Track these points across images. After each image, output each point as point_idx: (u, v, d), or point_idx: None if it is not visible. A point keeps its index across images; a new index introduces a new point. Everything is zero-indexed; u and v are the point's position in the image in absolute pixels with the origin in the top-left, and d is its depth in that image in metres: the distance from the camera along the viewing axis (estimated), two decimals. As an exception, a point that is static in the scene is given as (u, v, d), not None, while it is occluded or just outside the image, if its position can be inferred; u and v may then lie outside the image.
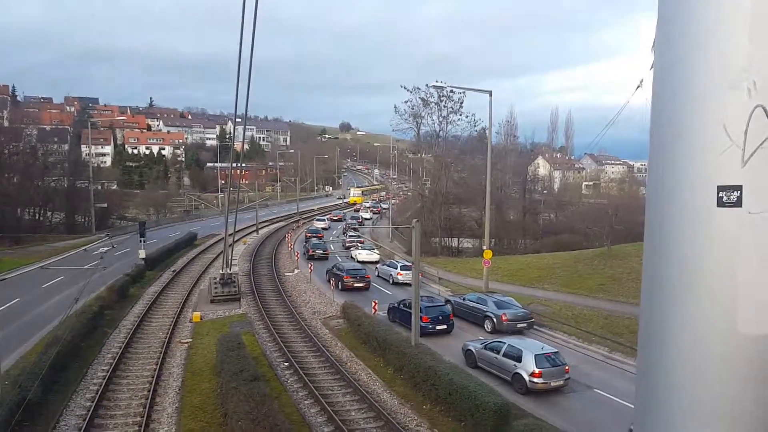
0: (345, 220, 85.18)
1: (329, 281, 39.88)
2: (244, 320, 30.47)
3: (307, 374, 22.06)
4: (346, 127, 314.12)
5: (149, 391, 20.21)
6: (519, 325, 28.46)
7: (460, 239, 64.08)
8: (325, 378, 22.00)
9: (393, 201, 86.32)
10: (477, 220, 64.68)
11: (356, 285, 38.13)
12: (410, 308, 29.23)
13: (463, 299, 31.37)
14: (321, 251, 51.06)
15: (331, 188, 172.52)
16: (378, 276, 43.32)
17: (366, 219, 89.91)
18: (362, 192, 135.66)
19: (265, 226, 77.41)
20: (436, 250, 59.59)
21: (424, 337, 26.04)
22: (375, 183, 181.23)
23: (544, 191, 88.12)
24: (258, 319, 30.79)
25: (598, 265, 39.88)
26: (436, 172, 66.38)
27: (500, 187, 67.75)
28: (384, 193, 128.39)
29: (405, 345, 22.08)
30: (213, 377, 21.41)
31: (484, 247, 35.61)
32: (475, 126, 65.70)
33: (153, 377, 21.60)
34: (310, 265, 41.93)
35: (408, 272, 40.18)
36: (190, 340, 26.84)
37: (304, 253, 53.03)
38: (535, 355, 20.43)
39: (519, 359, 20.73)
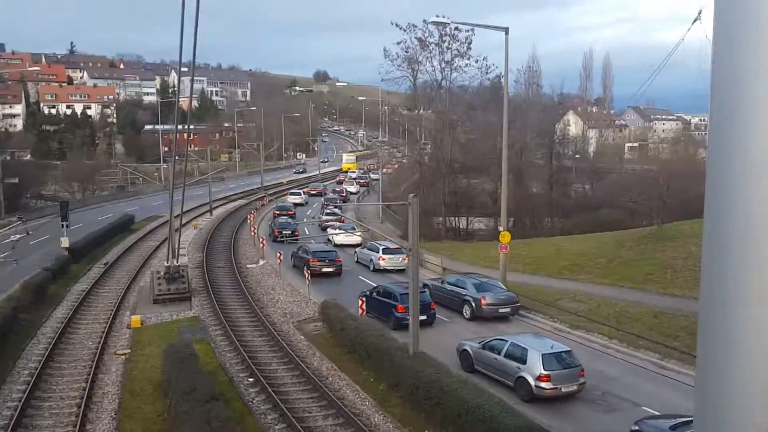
0: (326, 193, 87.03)
1: (295, 267, 42.08)
2: (196, 325, 30.63)
3: (278, 392, 22.14)
4: (321, 78, 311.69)
5: (77, 416, 20.12)
6: (501, 310, 30.52)
7: (470, 219, 64.62)
8: (300, 397, 22.20)
9: (384, 171, 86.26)
10: (491, 193, 65.29)
11: (324, 270, 40.19)
12: (386, 297, 30.46)
13: (441, 282, 33.53)
14: (289, 232, 52.29)
15: (304, 156, 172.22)
16: (357, 262, 44.84)
17: (351, 193, 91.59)
18: (357, 157, 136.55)
19: (220, 206, 77.79)
20: (439, 233, 60.18)
21: (401, 331, 27.28)
22: (360, 148, 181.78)
23: (577, 155, 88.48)
24: (214, 324, 30.98)
25: (645, 249, 40.38)
26: (437, 133, 67.26)
27: (520, 152, 67.69)
28: (372, 160, 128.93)
29: (400, 354, 22.17)
30: (158, 398, 21.46)
31: (501, 229, 35.90)
32: (487, 73, 65.45)
33: (82, 399, 21.53)
34: (279, 255, 42.41)
35: (393, 256, 42.10)
36: (129, 351, 26.94)
37: (270, 235, 54.26)
38: (543, 355, 20.61)
39: (523, 360, 20.99)
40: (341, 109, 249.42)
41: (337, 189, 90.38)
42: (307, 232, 58.51)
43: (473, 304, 30.53)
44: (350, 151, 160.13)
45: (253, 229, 56.48)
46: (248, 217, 63.27)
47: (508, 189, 37.63)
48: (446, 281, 33.22)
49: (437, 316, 30.45)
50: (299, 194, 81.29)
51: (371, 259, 42.90)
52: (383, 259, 41.70)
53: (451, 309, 31.90)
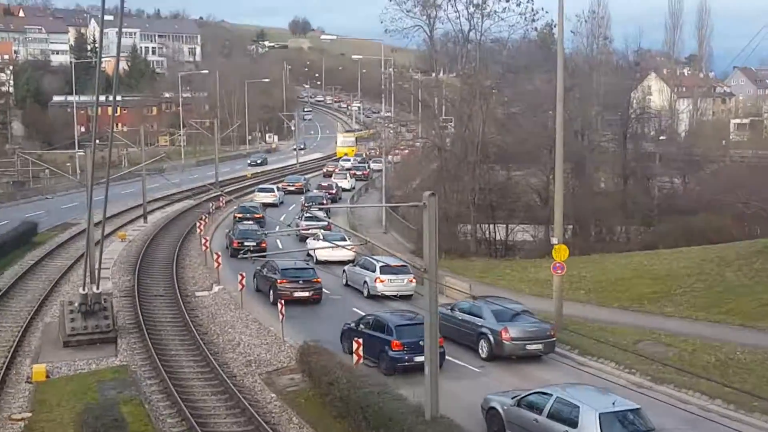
0: (309, 190, 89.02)
1: (258, 291, 43.57)
2: (124, 377, 30.37)
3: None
4: (300, 28, 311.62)
5: None
6: (530, 347, 31.14)
7: (511, 226, 64.70)
8: (272, 482, 22.48)
9: (390, 159, 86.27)
10: (540, 191, 65.65)
11: (298, 295, 40.91)
12: (376, 330, 31.35)
13: (451, 309, 34.26)
14: (253, 244, 53.14)
15: (275, 138, 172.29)
16: (347, 285, 45.81)
17: (344, 189, 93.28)
18: (356, 138, 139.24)
19: (159, 209, 78.59)
20: (467, 247, 60.44)
21: (397, 376, 28.13)
22: (355, 127, 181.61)
23: (662, 137, 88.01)
24: (150, 376, 30.79)
25: (761, 271, 40.14)
26: (464, 105, 66.33)
27: (581, 132, 67.75)
28: (373, 144, 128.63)
29: (413, 420, 21.47)
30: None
31: (554, 241, 36.01)
32: (533, 21, 65.37)
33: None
34: (240, 277, 42.16)
35: (395, 277, 42.73)
36: (29, 414, 26.76)
37: (228, 248, 55.68)
38: (601, 415, 20.33)
39: (574, 422, 20.87)
40: (328, 73, 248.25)
41: (324, 184, 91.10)
42: (280, 246, 58.24)
43: (491, 339, 31.01)
44: (347, 130, 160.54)
45: (204, 241, 56.20)
46: (198, 224, 63.25)
47: (565, 185, 37.46)
48: (458, 307, 33.95)
49: (446, 356, 30.45)
50: (271, 191, 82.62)
51: (365, 281, 43.44)
52: (381, 281, 42.08)
53: (464, 345, 32.42)
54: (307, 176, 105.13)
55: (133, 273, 48.73)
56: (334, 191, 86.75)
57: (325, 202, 77.99)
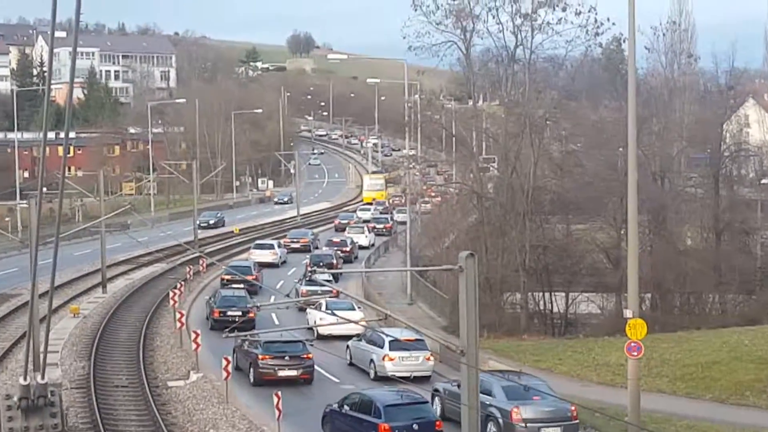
0: (317, 247, 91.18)
1: (238, 369, 43.80)
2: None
3: None
4: (302, 45, 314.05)
5: None
6: (546, 431, 31.86)
7: (572, 295, 65.24)
8: None
9: (417, 209, 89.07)
10: (609, 250, 65.72)
11: (283, 374, 41.62)
12: (361, 411, 32.19)
13: (459, 386, 33.03)
14: (238, 313, 53.88)
15: (270, 184, 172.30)
16: (351, 364, 46.52)
17: (362, 247, 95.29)
18: (385, 180, 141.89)
19: (122, 274, 78.35)
20: (516, 321, 60.80)
21: None
22: (371, 168, 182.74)
23: (764, 179, 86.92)
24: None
25: None
26: (510, 141, 66.62)
27: (661, 174, 67.87)
28: (396, 188, 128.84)
29: None
30: None
31: (629, 314, 35.37)
32: (596, 35, 65.32)
33: None
34: (224, 362, 41.11)
35: (408, 354, 43.26)
36: None
37: (208, 319, 57.04)
38: None
39: None
40: (337, 101, 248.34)
41: (336, 240, 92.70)
42: (276, 321, 57.96)
43: (500, 421, 31.57)
44: (375, 171, 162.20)
45: (179, 316, 55.16)
46: (171, 294, 62.30)
47: (641, 241, 37.22)
48: None
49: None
50: (270, 248, 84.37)
51: (371, 360, 43.92)
52: (390, 359, 42.53)
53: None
54: (314, 230, 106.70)
55: (88, 358, 48.16)
56: (348, 249, 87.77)
57: (335, 262, 78.16)
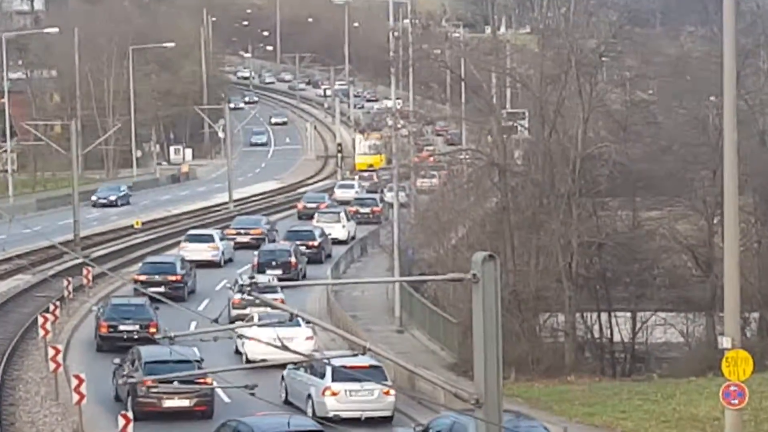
0: (274, 240, 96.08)
1: (117, 400, 46.79)
2: None
3: None
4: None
5: None
6: None
7: (641, 315, 65.07)
8: None
9: (407, 190, 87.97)
10: (696, 248, 65.81)
11: (170, 404, 45.18)
12: None
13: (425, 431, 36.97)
14: (135, 328, 58.89)
15: (187, 153, 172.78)
16: (287, 401, 49.54)
17: (338, 241, 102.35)
18: (376, 145, 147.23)
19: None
20: (557, 354, 60.80)
21: None
22: (338, 125, 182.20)
23: None
24: None
25: None
26: (548, 88, 68.65)
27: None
28: (379, 157, 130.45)
29: None
30: None
31: (725, 344, 35.66)
32: None
33: None
34: (123, 420, 41.56)
35: (361, 386, 45.88)
36: None
37: (97, 339, 59.58)
38: None
39: None
40: (289, 29, 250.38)
41: (302, 229, 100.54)
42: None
43: None
44: (366, 130, 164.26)
45: (54, 353, 54.88)
46: (41, 321, 61.78)
47: (745, 235, 37.69)
48: (433, 429, 37.26)
49: None
50: (209, 240, 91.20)
51: (309, 393, 46.79)
52: (333, 394, 45.69)
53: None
54: (270, 217, 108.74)
55: None
56: (315, 243, 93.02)
57: (293, 261, 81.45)
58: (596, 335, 60.45)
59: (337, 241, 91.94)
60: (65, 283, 72.78)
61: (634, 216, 63.90)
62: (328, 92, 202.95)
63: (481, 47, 75.52)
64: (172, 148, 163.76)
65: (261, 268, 70.84)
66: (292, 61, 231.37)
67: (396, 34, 78.74)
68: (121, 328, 52.48)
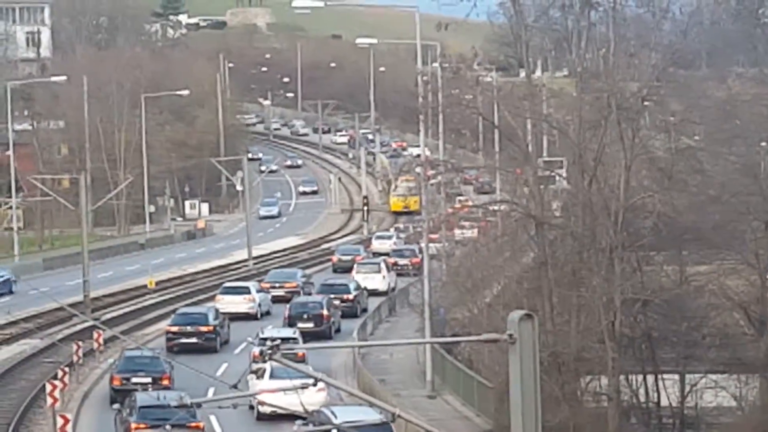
0: (310, 293, 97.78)
1: None
2: None
3: None
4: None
5: None
6: None
7: (690, 377, 63.31)
8: None
9: (439, 245, 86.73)
10: (749, 304, 64.94)
11: None
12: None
13: None
14: (147, 380, 60.35)
15: (203, 208, 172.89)
16: None
17: (378, 293, 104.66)
18: (410, 187, 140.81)
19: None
20: (602, 420, 59.69)
21: None
22: (364, 177, 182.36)
23: None
24: None
25: None
26: (587, 134, 67.27)
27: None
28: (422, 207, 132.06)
29: None
30: None
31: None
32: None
33: None
34: None
35: None
36: None
37: (111, 393, 55.05)
38: None
39: None
40: (310, 74, 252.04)
41: (336, 282, 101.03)
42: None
43: None
44: (404, 168, 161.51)
45: (62, 423, 56.00)
46: (49, 389, 62.07)
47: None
48: None
49: None
50: (245, 292, 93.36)
51: None
52: None
53: None
54: (306, 272, 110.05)
55: None
56: (350, 296, 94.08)
57: (326, 313, 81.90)
58: (642, 399, 59.38)
59: (376, 293, 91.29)
60: (75, 347, 72.51)
61: (681, 271, 62.50)
62: (342, 139, 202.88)
63: (515, 92, 74.80)
64: (187, 203, 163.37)
65: (292, 321, 71.26)
66: (314, 108, 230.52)
67: (425, 78, 77.84)
68: (134, 380, 52.72)
